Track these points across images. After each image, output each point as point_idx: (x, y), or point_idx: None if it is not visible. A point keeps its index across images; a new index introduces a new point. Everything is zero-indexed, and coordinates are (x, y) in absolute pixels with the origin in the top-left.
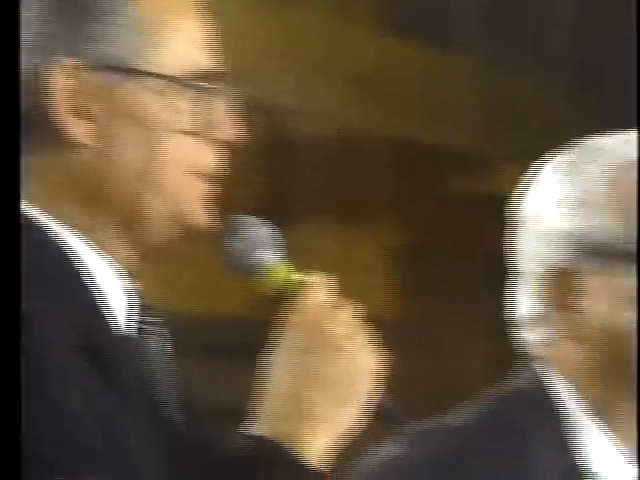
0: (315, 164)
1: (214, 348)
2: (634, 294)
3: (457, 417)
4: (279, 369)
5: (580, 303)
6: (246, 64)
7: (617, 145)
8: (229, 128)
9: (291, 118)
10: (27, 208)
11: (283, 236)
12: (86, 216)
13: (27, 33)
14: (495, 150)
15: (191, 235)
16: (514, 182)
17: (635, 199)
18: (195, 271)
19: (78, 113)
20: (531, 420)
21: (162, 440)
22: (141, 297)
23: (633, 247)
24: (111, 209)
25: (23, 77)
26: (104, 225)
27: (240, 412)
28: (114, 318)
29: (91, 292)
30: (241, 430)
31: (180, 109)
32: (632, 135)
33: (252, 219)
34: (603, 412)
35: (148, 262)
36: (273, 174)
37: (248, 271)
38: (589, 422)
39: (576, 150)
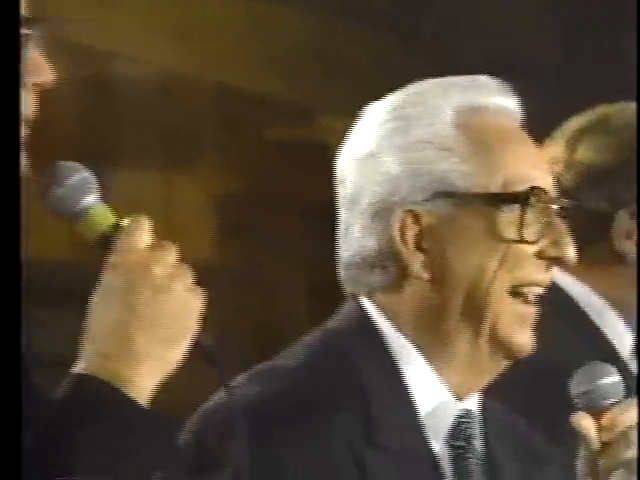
0: (139, 110)
1: (42, 293)
2: (481, 237)
3: (288, 357)
4: (102, 309)
5: (426, 244)
6: (70, 9)
7: (456, 91)
8: (42, 71)
9: (116, 63)
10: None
11: (106, 181)
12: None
13: None
14: (318, 100)
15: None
16: (337, 131)
17: (486, 142)
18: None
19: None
20: (359, 352)
21: None
22: None
23: (482, 190)
24: None
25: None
26: None
27: (71, 357)
28: None
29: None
30: (70, 371)
31: None
32: (469, 79)
33: (75, 165)
34: (429, 348)
35: None
36: (96, 119)
37: (73, 217)
38: (414, 354)
39: (406, 96)
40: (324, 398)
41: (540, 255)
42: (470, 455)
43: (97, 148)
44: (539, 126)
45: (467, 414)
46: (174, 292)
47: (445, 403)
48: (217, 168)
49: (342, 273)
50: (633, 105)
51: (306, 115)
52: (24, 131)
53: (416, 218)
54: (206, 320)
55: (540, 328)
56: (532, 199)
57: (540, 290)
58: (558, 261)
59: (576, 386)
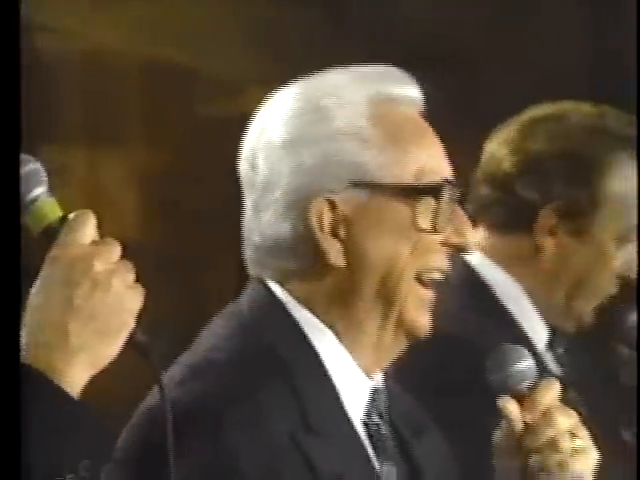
0: (65, 85)
1: None
2: (395, 226)
3: (215, 350)
4: (40, 300)
5: (342, 232)
6: None
7: (369, 82)
8: None
9: (38, 35)
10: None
11: (32, 155)
12: None
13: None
14: (248, 73)
15: None
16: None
17: (399, 133)
18: None
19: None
20: (279, 341)
21: None
22: None
23: (396, 180)
24: None
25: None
26: None
27: None
28: None
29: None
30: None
31: None
32: (380, 70)
33: (25, 156)
34: (341, 330)
35: None
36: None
37: (22, 208)
38: (328, 336)
39: (319, 86)
40: (259, 392)
41: (444, 243)
42: (384, 431)
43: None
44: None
45: (376, 391)
46: (113, 288)
47: (359, 381)
48: (145, 143)
49: (249, 255)
50: (595, 109)
51: (236, 89)
52: None
53: (332, 206)
54: (142, 316)
55: (455, 311)
56: (445, 191)
57: (440, 276)
58: (459, 249)
59: (490, 370)
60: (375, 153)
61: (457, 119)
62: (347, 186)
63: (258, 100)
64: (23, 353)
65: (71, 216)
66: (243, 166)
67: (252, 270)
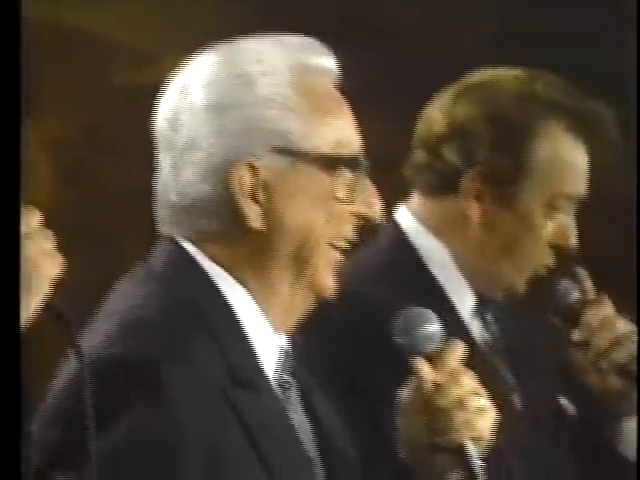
0: None
1: None
2: (313, 194)
3: (142, 308)
4: None
5: (262, 196)
6: None
7: (290, 50)
8: None
9: None
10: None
11: None
12: None
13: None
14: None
15: None
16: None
17: (320, 103)
18: None
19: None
20: (198, 297)
21: None
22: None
23: (316, 150)
24: None
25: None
26: None
27: None
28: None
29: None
30: None
31: None
32: (299, 40)
33: None
34: (255, 289)
35: None
36: None
37: None
38: (243, 294)
39: (242, 52)
40: (190, 347)
41: (354, 213)
42: (294, 387)
43: None
44: None
45: (283, 349)
46: (27, 254)
47: (270, 339)
48: (56, 113)
49: (162, 214)
50: (527, 74)
51: (151, 58)
52: None
53: (254, 171)
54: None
55: (378, 273)
56: (360, 162)
57: (347, 245)
58: (367, 219)
59: (397, 333)
60: (300, 122)
61: (394, 89)
62: (269, 152)
63: (172, 70)
64: None
65: None
66: (162, 125)
67: (164, 229)
